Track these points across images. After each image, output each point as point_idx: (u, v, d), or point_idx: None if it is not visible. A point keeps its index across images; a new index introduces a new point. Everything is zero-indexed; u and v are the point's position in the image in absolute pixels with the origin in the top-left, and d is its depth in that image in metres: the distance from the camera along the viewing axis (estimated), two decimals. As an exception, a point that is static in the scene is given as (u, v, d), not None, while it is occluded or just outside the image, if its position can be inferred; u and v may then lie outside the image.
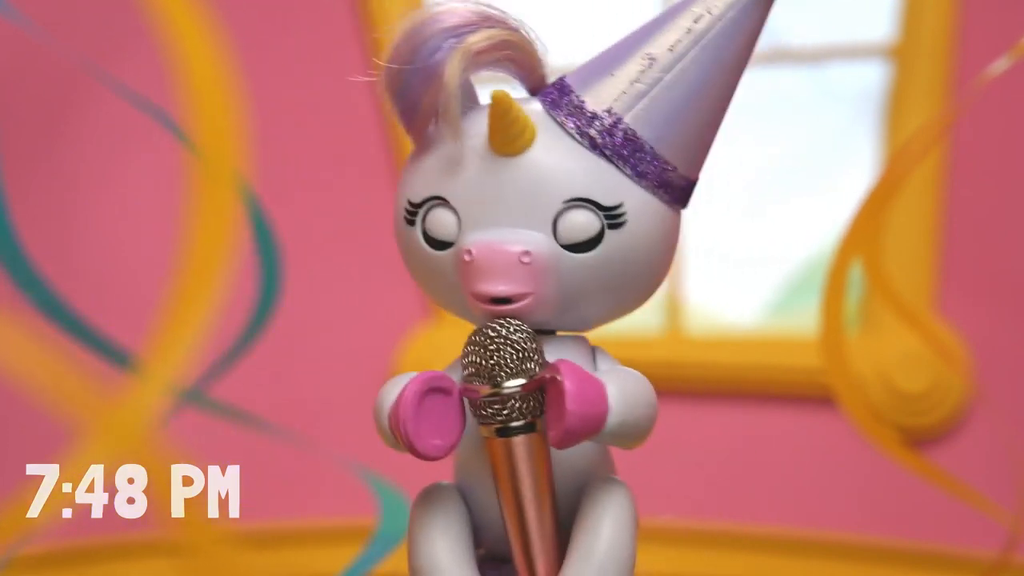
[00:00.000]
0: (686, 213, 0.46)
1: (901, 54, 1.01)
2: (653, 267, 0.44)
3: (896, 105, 1.02)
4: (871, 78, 1.06)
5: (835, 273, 0.71)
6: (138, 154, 1.07)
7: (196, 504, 0.42)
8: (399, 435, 0.40)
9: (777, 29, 1.11)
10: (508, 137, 0.41)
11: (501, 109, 0.40)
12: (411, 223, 0.44)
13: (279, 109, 1.08)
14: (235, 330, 0.75)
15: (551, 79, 0.44)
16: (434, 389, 0.41)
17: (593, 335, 0.46)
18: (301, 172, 1.11)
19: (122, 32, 1.06)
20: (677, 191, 0.43)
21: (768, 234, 1.13)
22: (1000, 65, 0.70)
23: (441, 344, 1.05)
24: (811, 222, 1.12)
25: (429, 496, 0.44)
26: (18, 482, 0.51)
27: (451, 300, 0.44)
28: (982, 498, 0.74)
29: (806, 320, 1.05)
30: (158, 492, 0.41)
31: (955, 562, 0.97)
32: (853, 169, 1.08)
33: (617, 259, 0.42)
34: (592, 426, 0.39)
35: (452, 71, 0.40)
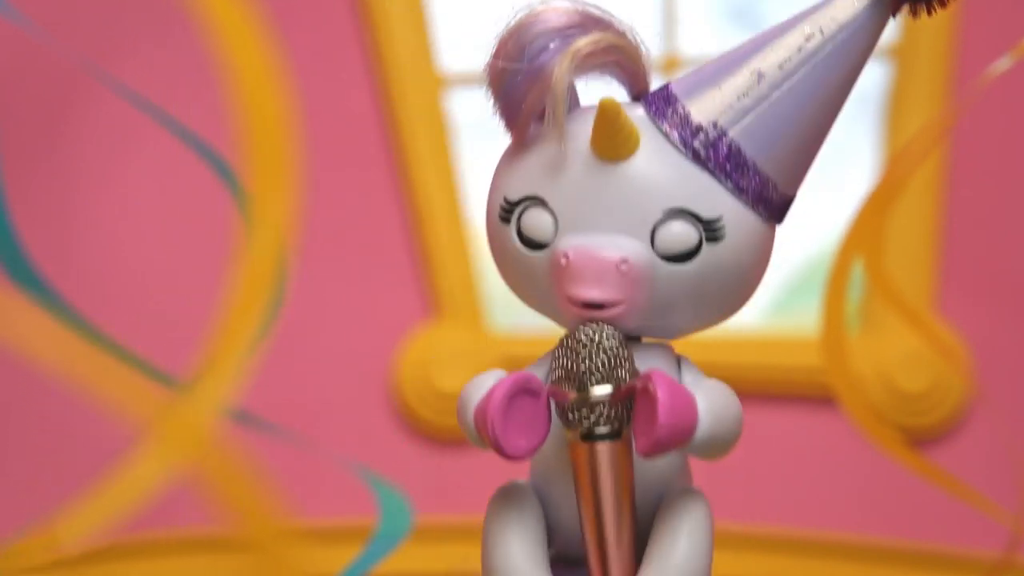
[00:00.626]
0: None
1: (901, 54, 1.01)
2: (746, 281, 0.44)
3: (896, 105, 1.02)
4: (871, 78, 1.06)
5: (836, 273, 0.71)
6: (138, 154, 1.07)
7: (253, 500, 0.42)
8: (485, 434, 0.41)
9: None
10: (614, 144, 0.41)
11: (610, 116, 0.40)
12: (506, 220, 0.44)
13: (294, 121, 1.08)
14: (262, 341, 0.75)
15: (654, 85, 0.44)
16: (523, 391, 0.41)
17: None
18: (300, 172, 1.10)
19: (122, 32, 1.06)
20: (775, 207, 0.44)
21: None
22: (1000, 65, 0.70)
23: (441, 344, 1.05)
24: (811, 222, 1.12)
25: (507, 495, 0.44)
26: (78, 486, 0.51)
27: (542, 301, 0.45)
28: (983, 498, 0.74)
29: (806, 320, 1.04)
30: (215, 491, 0.41)
31: (955, 562, 0.97)
32: (853, 169, 1.08)
33: (712, 272, 0.43)
34: (681, 438, 0.40)
35: (560, 73, 0.40)
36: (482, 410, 0.41)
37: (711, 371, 1.15)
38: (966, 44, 0.99)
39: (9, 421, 1.04)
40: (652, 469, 0.43)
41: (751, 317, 1.18)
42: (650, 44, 0.43)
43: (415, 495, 0.73)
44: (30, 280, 0.66)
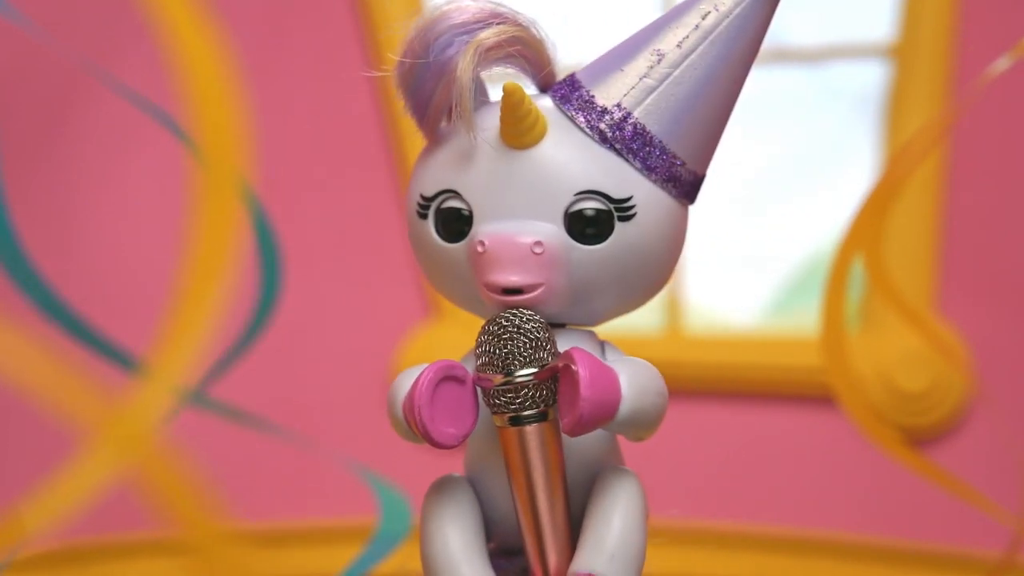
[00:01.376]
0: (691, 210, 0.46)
1: (901, 54, 1.01)
2: (661, 260, 0.44)
3: (896, 105, 1.02)
4: (871, 78, 1.06)
5: (836, 272, 0.71)
6: (138, 154, 1.07)
7: (201, 503, 0.42)
8: (414, 423, 0.41)
9: (777, 29, 1.11)
10: (521, 129, 0.42)
11: (514, 100, 0.41)
12: (423, 216, 0.44)
13: (278, 109, 1.08)
14: (235, 330, 0.75)
15: (561, 76, 0.45)
16: (448, 378, 0.42)
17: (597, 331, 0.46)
18: (301, 172, 1.10)
19: (122, 32, 1.06)
20: (686, 186, 0.44)
21: (768, 234, 1.13)
22: (1000, 65, 0.70)
23: (441, 344, 1.05)
24: (811, 222, 1.12)
25: (441, 488, 0.45)
26: (23, 486, 0.51)
27: (463, 293, 0.45)
28: (983, 498, 0.74)
29: (806, 320, 1.05)
30: (163, 492, 0.41)
31: (956, 562, 0.97)
32: (853, 169, 1.08)
33: (626, 252, 0.43)
34: (605, 413, 0.40)
35: (465, 66, 0.41)
36: (409, 399, 0.41)
37: (711, 371, 1.15)
38: (966, 44, 0.99)
39: None
40: (582, 450, 0.43)
41: (751, 317, 1.18)
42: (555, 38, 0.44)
43: (415, 495, 0.73)
44: (29, 280, 0.66)
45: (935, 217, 1.01)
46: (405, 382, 0.43)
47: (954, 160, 1.01)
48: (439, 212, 0.44)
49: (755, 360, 1.04)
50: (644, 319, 1.08)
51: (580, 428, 0.39)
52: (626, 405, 0.40)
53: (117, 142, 1.08)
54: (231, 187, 0.55)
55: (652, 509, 0.44)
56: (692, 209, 0.46)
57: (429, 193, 0.44)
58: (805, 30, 1.10)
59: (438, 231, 0.44)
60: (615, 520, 0.42)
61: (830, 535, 1.00)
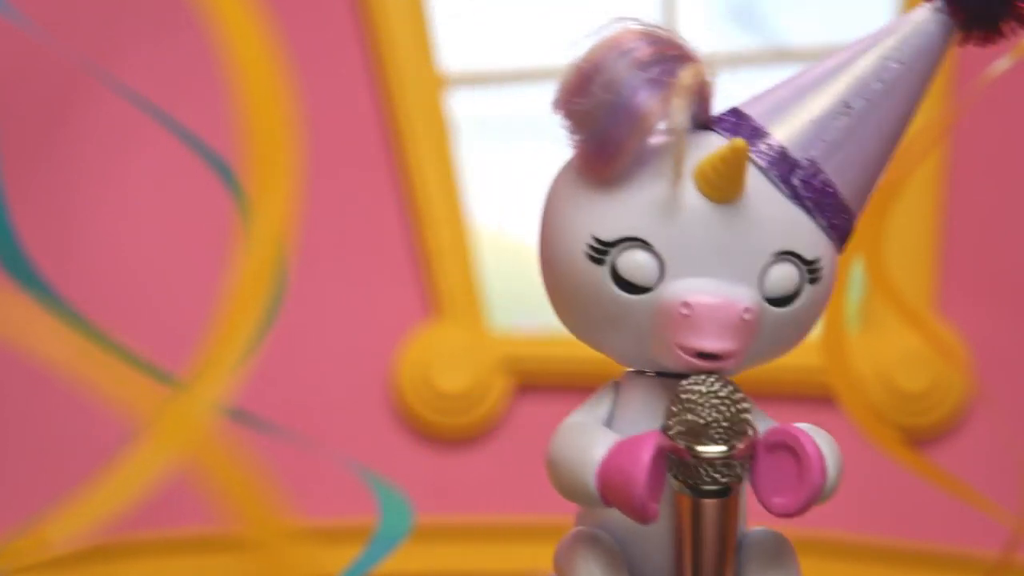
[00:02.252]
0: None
1: (901, 54, 1.01)
2: (816, 319, 0.43)
3: (896, 105, 1.02)
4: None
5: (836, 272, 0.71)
6: (139, 154, 1.07)
7: (253, 499, 0.41)
8: (623, 497, 0.38)
9: (777, 29, 1.11)
10: (735, 188, 0.39)
11: (739, 159, 0.39)
12: (598, 262, 0.40)
13: (296, 120, 1.08)
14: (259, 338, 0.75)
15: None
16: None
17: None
18: (301, 171, 1.10)
19: (122, 32, 1.06)
20: (847, 240, 0.43)
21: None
22: (1000, 65, 0.70)
23: (441, 344, 1.05)
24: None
25: (591, 549, 0.42)
26: (70, 485, 0.51)
27: (628, 345, 0.42)
28: (983, 498, 0.74)
29: (806, 320, 1.04)
30: (221, 487, 0.41)
31: (956, 562, 0.97)
32: (853, 169, 1.08)
33: (807, 313, 0.42)
34: (819, 496, 0.40)
35: (679, 112, 0.39)
36: (621, 472, 0.38)
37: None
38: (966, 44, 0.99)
39: (2, 419, 1.04)
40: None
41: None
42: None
43: (415, 495, 0.73)
44: (30, 280, 0.66)
45: (935, 217, 1.01)
46: (577, 440, 0.40)
47: (954, 160, 1.01)
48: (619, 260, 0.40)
49: (755, 360, 1.04)
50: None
51: (799, 512, 0.38)
52: (829, 484, 0.40)
53: (117, 142, 1.08)
54: (277, 198, 0.54)
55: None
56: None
57: (609, 238, 0.40)
58: (805, 30, 1.10)
59: (616, 280, 0.40)
60: None
61: (830, 534, 1.00)
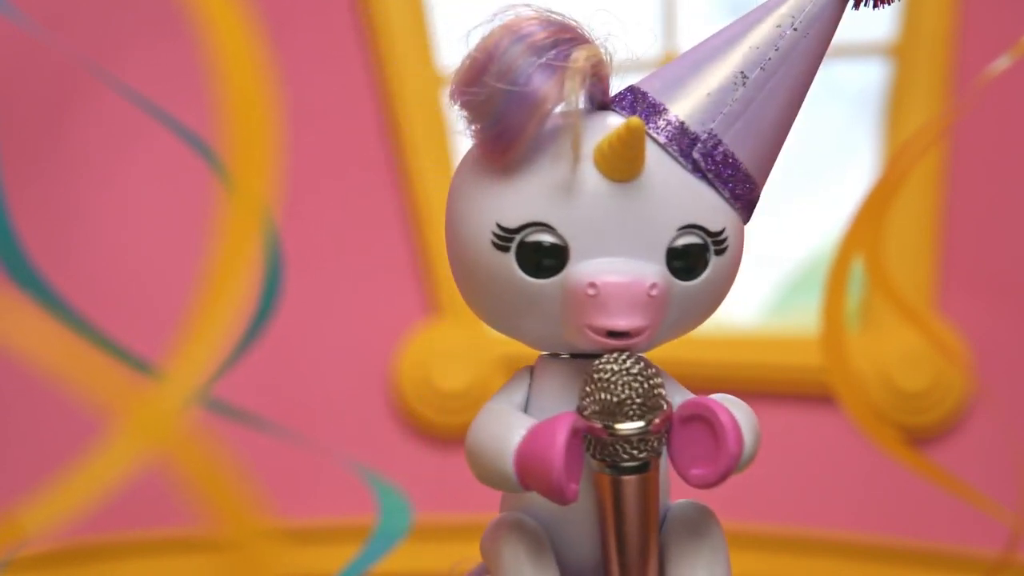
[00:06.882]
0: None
1: (901, 53, 1.01)
2: (729, 287, 0.43)
3: (896, 104, 1.02)
4: (871, 77, 1.06)
5: (836, 271, 0.71)
6: (140, 154, 1.07)
7: (232, 499, 0.41)
8: (541, 480, 0.38)
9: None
10: (634, 166, 0.39)
11: (636, 138, 0.39)
12: (502, 249, 0.40)
13: (278, 109, 1.08)
14: (236, 329, 0.75)
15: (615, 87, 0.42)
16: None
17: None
18: (300, 171, 1.11)
19: (122, 32, 1.06)
20: (753, 208, 0.43)
21: (768, 233, 1.13)
22: (1000, 65, 0.70)
23: (441, 344, 1.05)
24: (811, 221, 1.12)
25: (516, 534, 0.42)
26: (43, 477, 0.51)
27: (538, 330, 0.42)
28: (983, 497, 0.74)
29: (806, 319, 1.05)
30: (194, 484, 0.40)
31: (956, 561, 0.97)
32: (853, 168, 1.08)
33: (716, 284, 0.42)
34: (738, 464, 0.39)
35: (574, 94, 0.39)
36: (538, 458, 0.38)
37: (711, 370, 1.15)
38: (966, 43, 1.00)
39: None
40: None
41: (751, 316, 1.18)
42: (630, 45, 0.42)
43: (415, 494, 0.73)
44: (30, 280, 0.66)
45: (935, 217, 1.01)
46: (493, 427, 0.40)
47: (954, 160, 1.01)
48: (524, 245, 0.40)
49: (755, 359, 1.04)
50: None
51: (718, 482, 0.38)
52: (746, 454, 0.39)
53: (118, 142, 1.08)
54: (256, 189, 0.55)
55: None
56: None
57: (512, 225, 0.40)
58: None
59: (522, 266, 0.40)
60: (701, 569, 0.41)
61: (830, 534, 1.00)
